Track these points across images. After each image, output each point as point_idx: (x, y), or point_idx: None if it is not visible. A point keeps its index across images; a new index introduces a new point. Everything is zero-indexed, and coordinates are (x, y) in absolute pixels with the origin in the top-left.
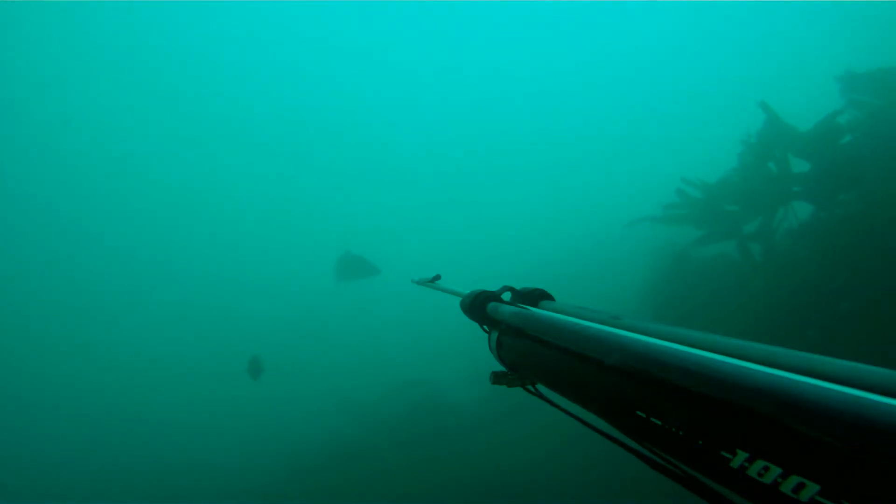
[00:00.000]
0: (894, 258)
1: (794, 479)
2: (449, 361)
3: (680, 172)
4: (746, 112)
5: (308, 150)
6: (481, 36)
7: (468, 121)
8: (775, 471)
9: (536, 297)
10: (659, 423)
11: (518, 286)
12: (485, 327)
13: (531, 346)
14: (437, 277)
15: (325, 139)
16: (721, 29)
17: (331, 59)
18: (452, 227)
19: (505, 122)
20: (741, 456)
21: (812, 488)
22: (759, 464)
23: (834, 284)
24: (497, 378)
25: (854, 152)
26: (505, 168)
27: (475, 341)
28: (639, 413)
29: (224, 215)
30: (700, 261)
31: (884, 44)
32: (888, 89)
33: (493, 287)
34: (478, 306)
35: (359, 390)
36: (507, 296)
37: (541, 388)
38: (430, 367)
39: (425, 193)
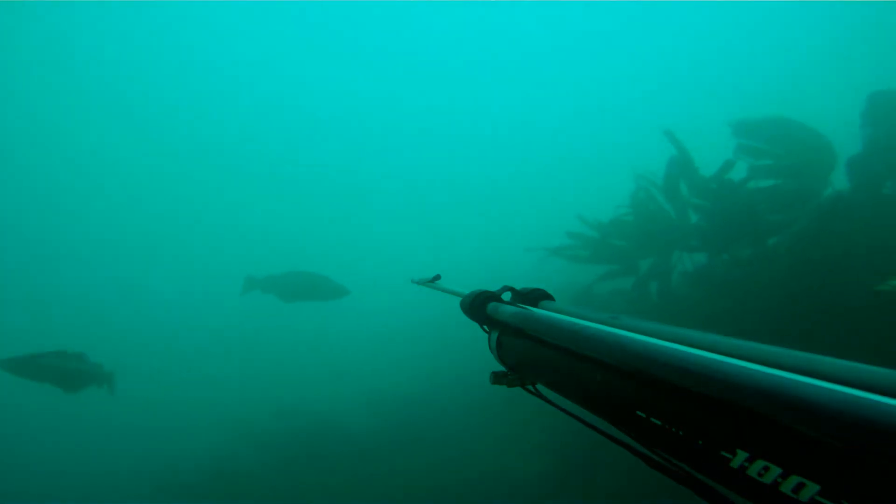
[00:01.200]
0: (790, 307)
1: (794, 479)
2: (343, 388)
3: (589, 206)
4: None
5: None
6: (419, 71)
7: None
8: (775, 471)
9: (536, 297)
10: (659, 423)
11: (517, 288)
12: (485, 327)
13: (531, 346)
14: (437, 277)
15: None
16: (642, 64)
17: (286, 67)
18: (363, 253)
19: (435, 150)
20: (741, 456)
21: (812, 488)
22: (759, 464)
23: (732, 330)
24: (497, 378)
25: (751, 201)
26: (422, 195)
27: (378, 371)
28: (639, 413)
29: (138, 220)
30: (600, 297)
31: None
32: (779, 138)
33: (492, 287)
34: (478, 306)
35: (245, 410)
36: (507, 296)
37: (541, 388)
38: (320, 393)
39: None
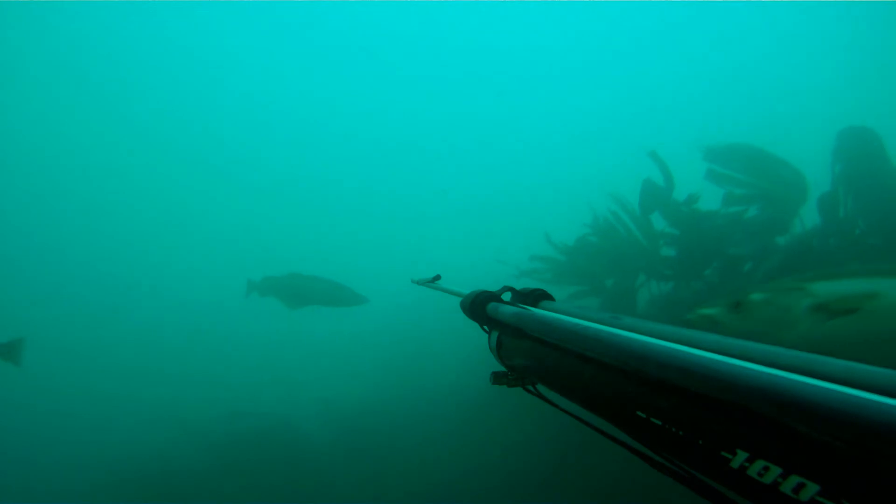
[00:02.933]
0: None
1: (794, 479)
2: (301, 393)
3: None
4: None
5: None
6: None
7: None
8: (775, 471)
9: (537, 297)
10: (659, 423)
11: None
12: (485, 327)
13: (531, 346)
14: (437, 277)
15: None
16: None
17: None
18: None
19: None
20: (741, 456)
21: (812, 488)
22: (759, 464)
23: None
24: (497, 378)
25: (721, 232)
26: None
27: (339, 378)
28: (639, 413)
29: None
30: None
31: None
32: (751, 167)
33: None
34: (478, 306)
35: (191, 409)
36: (507, 296)
37: (541, 388)
38: (276, 397)
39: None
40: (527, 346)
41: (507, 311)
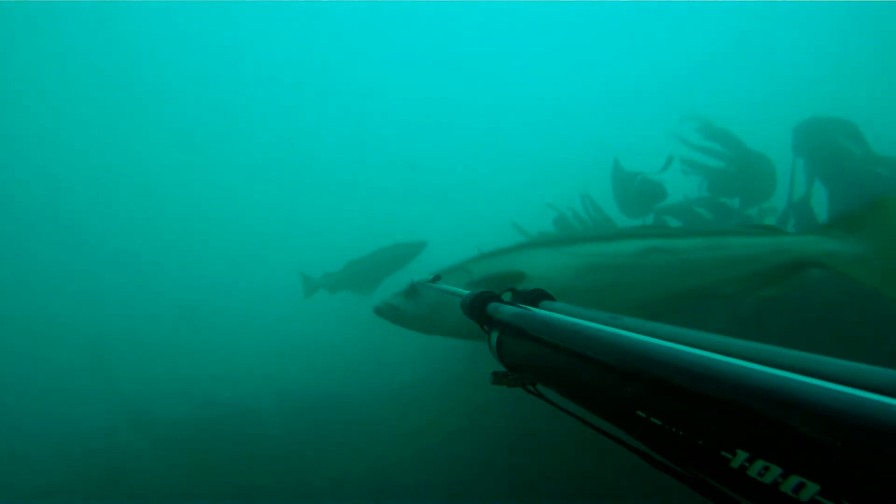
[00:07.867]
0: None
1: (794, 479)
2: (258, 382)
3: None
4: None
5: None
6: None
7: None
8: (775, 471)
9: (537, 297)
10: (659, 423)
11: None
12: (485, 327)
13: (531, 346)
14: (438, 278)
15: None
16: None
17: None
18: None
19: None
20: (741, 456)
21: (812, 488)
22: (759, 464)
23: None
24: (497, 378)
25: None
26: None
27: (297, 367)
28: (639, 413)
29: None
30: None
31: None
32: (727, 155)
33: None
34: (478, 306)
35: (148, 399)
36: (507, 296)
37: (541, 388)
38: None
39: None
40: (527, 346)
41: (507, 311)
